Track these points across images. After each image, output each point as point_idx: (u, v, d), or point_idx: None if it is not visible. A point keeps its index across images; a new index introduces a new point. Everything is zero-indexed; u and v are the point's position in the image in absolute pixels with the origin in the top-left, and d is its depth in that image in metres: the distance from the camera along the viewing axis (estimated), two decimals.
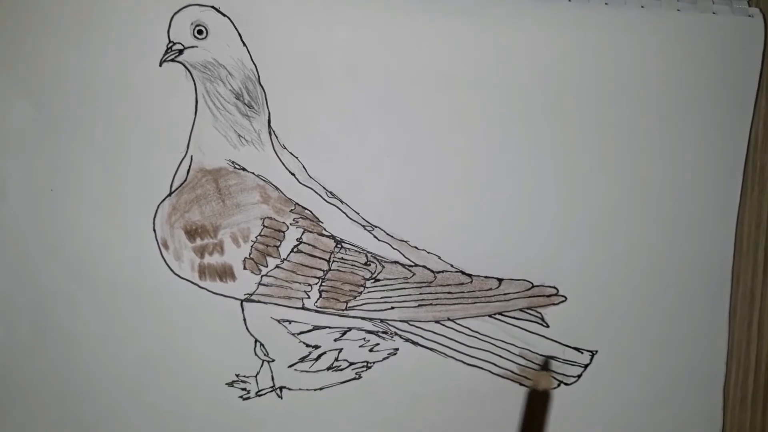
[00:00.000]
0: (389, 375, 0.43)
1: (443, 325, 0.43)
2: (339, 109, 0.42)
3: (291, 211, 0.42)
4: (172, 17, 0.40)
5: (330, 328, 0.43)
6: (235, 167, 0.42)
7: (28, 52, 0.41)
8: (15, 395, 0.43)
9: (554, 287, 0.43)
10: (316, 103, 0.41)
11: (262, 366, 0.43)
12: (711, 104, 0.43)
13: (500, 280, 0.43)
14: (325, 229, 0.42)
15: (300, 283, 0.42)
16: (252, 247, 0.42)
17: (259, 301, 0.42)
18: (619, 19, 0.42)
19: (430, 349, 0.43)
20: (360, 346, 0.43)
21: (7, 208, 0.42)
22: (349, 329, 0.43)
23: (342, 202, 0.42)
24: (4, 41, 0.41)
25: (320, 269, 0.42)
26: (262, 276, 0.42)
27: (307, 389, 0.43)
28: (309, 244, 0.42)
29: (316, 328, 0.43)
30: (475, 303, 0.43)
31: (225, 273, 0.42)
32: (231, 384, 0.43)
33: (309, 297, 0.43)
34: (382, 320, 0.43)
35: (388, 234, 0.43)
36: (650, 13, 0.42)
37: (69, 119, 0.41)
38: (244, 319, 0.43)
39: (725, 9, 0.43)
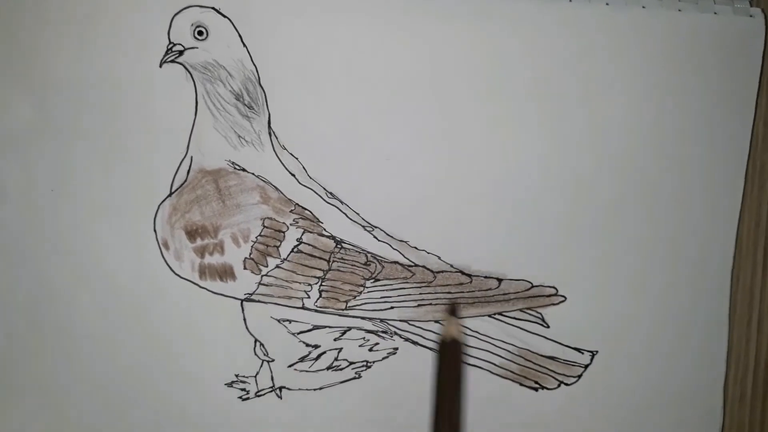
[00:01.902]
0: (389, 374, 0.44)
1: (443, 324, 0.43)
2: (339, 111, 0.42)
3: (291, 211, 0.42)
4: (173, 18, 0.40)
5: (330, 327, 0.43)
6: (235, 168, 0.42)
7: (28, 54, 0.41)
8: (15, 394, 0.43)
9: (554, 287, 0.44)
10: (316, 104, 0.41)
11: (261, 366, 0.43)
12: (712, 104, 0.43)
13: (500, 280, 0.43)
14: (325, 230, 0.42)
15: (300, 282, 0.42)
16: (252, 247, 0.42)
17: (259, 301, 0.43)
18: (621, 19, 0.42)
19: (430, 348, 0.44)
20: (360, 346, 0.44)
21: (7, 208, 0.42)
22: (349, 329, 0.43)
23: (342, 202, 0.42)
24: (6, 43, 0.41)
25: (320, 269, 0.42)
26: (262, 276, 0.42)
27: (307, 389, 0.44)
28: (309, 245, 0.42)
29: (315, 327, 0.43)
30: (474, 303, 0.43)
31: (225, 273, 0.42)
32: (230, 384, 0.43)
33: (309, 297, 0.43)
34: (381, 320, 0.43)
35: (387, 234, 0.43)
36: (651, 13, 0.42)
37: (70, 120, 0.41)
38: (244, 319, 0.43)
39: (726, 9, 0.42)
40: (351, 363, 0.44)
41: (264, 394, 0.44)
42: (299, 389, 0.44)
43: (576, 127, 0.43)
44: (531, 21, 0.42)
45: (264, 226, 0.42)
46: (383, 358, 0.44)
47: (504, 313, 0.44)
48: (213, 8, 0.40)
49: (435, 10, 0.41)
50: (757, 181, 0.45)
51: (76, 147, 0.41)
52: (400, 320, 0.43)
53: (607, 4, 0.42)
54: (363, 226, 0.42)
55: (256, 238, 0.42)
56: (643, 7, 0.42)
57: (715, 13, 0.43)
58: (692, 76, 0.43)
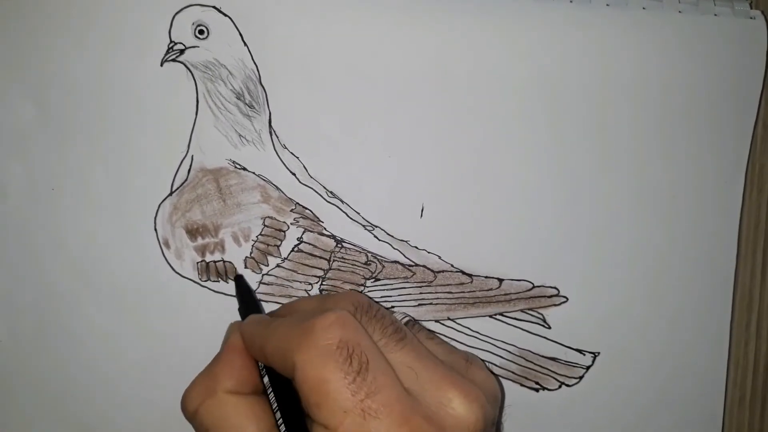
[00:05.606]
0: None
1: (443, 324, 0.43)
2: (340, 109, 0.42)
3: (291, 210, 0.42)
4: (174, 17, 0.40)
5: None
6: (235, 167, 0.42)
7: (30, 52, 0.41)
8: (19, 393, 0.43)
9: (555, 288, 0.44)
10: (317, 102, 0.41)
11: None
12: (713, 106, 0.43)
13: (501, 281, 0.43)
14: (325, 229, 0.42)
15: (301, 282, 0.42)
16: (253, 246, 0.42)
17: (260, 300, 0.42)
18: (621, 20, 0.42)
19: None
20: None
21: (9, 207, 0.42)
22: None
23: (342, 201, 0.42)
24: (7, 42, 0.40)
25: (321, 268, 0.42)
26: (263, 275, 0.42)
27: None
28: (309, 244, 0.42)
29: None
30: (475, 303, 0.43)
31: (226, 272, 0.42)
32: None
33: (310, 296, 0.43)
34: None
35: (388, 234, 0.43)
36: (652, 14, 0.42)
37: (71, 119, 0.41)
38: None
39: (727, 11, 0.43)
40: None
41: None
42: None
43: (578, 128, 0.43)
44: (531, 21, 0.42)
45: (264, 225, 0.42)
46: None
47: (505, 314, 0.44)
48: (214, 7, 0.40)
49: (436, 9, 0.41)
50: (757, 183, 0.46)
51: (77, 146, 0.41)
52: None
53: (607, 5, 0.42)
54: (363, 226, 0.42)
55: (257, 237, 0.42)
56: (644, 8, 0.42)
57: (716, 15, 0.43)
58: (692, 78, 0.43)
